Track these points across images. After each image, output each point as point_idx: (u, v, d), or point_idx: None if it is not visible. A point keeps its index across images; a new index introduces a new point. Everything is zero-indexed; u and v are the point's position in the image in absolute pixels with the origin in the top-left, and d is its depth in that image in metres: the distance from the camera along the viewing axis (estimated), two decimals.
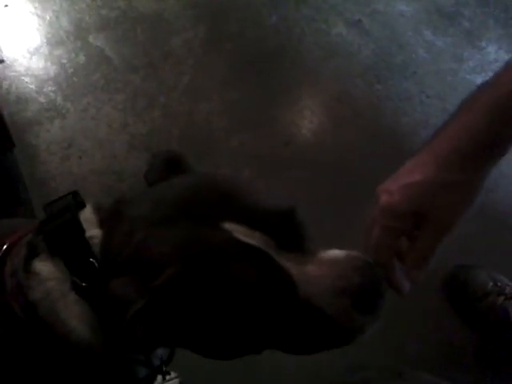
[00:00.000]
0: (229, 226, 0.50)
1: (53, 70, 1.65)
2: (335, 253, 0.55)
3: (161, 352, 0.63)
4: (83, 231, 0.53)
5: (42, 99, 1.59)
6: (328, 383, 1.30)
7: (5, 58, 1.62)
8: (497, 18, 1.94)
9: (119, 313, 0.46)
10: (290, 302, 0.50)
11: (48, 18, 1.74)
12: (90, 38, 1.73)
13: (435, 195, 0.54)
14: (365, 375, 1.20)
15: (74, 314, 0.52)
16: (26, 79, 1.61)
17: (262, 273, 0.49)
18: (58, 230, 0.54)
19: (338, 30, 1.95)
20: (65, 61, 1.67)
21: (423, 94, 1.82)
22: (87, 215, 0.56)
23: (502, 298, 1.27)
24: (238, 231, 0.50)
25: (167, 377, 1.12)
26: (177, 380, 1.16)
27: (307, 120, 1.70)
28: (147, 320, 0.48)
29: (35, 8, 1.75)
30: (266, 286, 0.49)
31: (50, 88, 1.61)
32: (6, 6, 1.71)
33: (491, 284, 1.30)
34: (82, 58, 1.68)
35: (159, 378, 1.12)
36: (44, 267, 0.53)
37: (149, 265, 0.49)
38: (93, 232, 0.54)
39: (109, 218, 0.55)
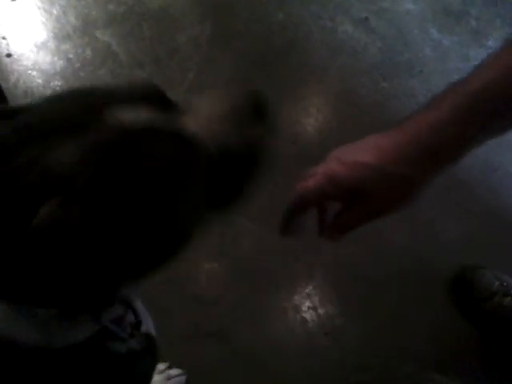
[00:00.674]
0: (115, 114, 0.45)
1: (59, 64, 1.65)
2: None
3: (129, 319, 0.59)
4: None
5: (48, 93, 1.58)
6: None
7: (12, 52, 1.62)
8: (504, 17, 1.94)
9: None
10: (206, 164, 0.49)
11: (55, 12, 1.74)
12: (97, 33, 1.73)
13: (381, 183, 0.54)
14: (367, 376, 1.21)
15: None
16: (33, 73, 1.61)
17: (172, 149, 0.46)
18: None
19: (344, 27, 1.95)
20: (71, 55, 1.67)
21: (429, 92, 1.82)
22: None
23: (509, 298, 1.27)
24: (125, 115, 0.46)
25: (173, 372, 1.12)
26: (183, 378, 1.17)
27: (313, 118, 1.70)
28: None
29: (42, 2, 1.75)
30: (181, 161, 0.46)
31: (56, 82, 1.61)
32: (13, 0, 1.71)
33: (497, 284, 1.30)
34: (88, 53, 1.68)
35: (165, 375, 1.13)
36: None
37: (57, 183, 0.42)
38: None
39: None
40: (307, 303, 1.38)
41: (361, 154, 0.56)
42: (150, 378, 0.70)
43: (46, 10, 1.73)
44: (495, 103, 0.51)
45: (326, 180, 0.56)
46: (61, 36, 1.70)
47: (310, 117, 1.70)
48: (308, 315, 1.37)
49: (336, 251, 1.44)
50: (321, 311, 1.37)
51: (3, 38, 1.63)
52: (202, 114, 0.52)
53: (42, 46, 1.67)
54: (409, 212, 1.56)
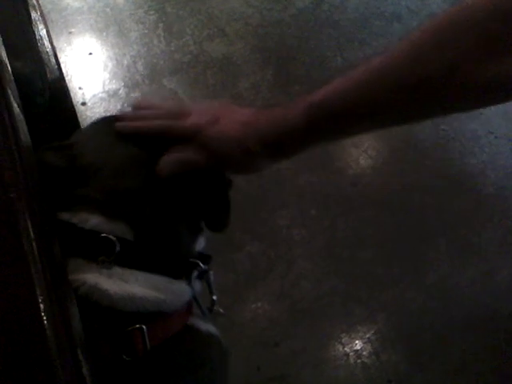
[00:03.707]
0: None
1: (129, 111, 1.74)
2: None
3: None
4: None
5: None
6: None
7: (87, 101, 1.73)
8: None
9: None
10: None
11: (126, 62, 1.86)
12: (164, 81, 1.83)
13: (236, 152, 0.57)
14: None
15: None
16: None
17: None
18: None
19: None
20: None
21: (491, 134, 1.80)
22: None
23: None
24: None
25: None
26: None
27: (373, 160, 1.71)
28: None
29: (115, 54, 1.87)
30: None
31: None
32: (91, 53, 1.84)
33: None
34: (156, 100, 1.77)
35: None
36: None
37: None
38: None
39: None
40: (369, 348, 1.36)
41: (232, 125, 0.58)
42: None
43: (118, 61, 1.85)
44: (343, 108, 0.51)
45: (199, 127, 0.58)
46: (131, 84, 1.81)
47: (371, 159, 1.71)
48: (370, 361, 1.35)
49: (400, 296, 1.43)
50: (383, 357, 1.35)
51: (79, 88, 1.75)
52: None
53: (113, 94, 1.77)
54: (473, 257, 1.52)
